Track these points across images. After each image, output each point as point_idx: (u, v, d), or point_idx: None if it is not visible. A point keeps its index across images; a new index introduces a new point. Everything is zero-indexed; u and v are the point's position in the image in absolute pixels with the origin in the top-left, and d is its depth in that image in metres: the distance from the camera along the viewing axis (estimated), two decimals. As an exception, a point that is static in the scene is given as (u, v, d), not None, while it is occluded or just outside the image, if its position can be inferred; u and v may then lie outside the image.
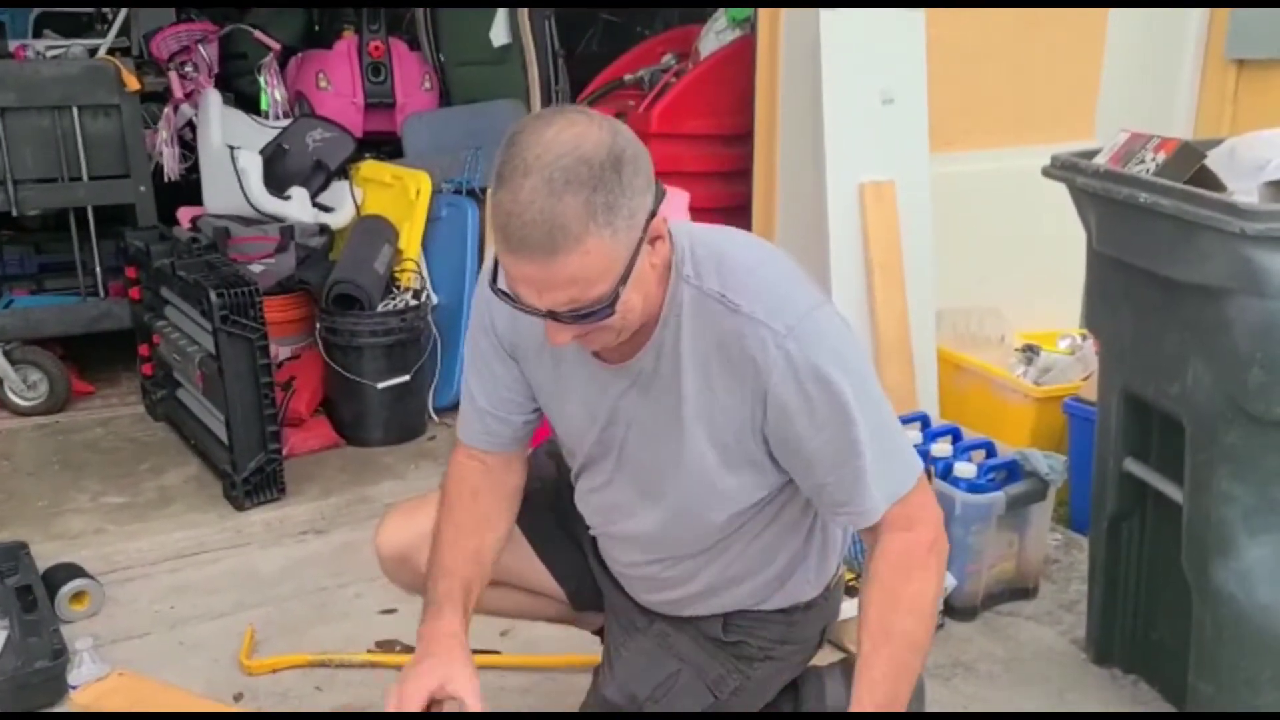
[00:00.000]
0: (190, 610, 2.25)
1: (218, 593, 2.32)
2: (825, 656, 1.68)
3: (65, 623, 2.12)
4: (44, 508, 2.66)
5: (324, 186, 3.43)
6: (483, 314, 1.41)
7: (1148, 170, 1.65)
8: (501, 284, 1.17)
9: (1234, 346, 1.52)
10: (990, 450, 2.26)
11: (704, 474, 1.32)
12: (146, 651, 2.09)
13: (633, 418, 1.34)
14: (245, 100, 3.96)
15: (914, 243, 2.74)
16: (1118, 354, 1.85)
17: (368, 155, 3.65)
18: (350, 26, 4.15)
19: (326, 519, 2.64)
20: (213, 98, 3.48)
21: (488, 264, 1.31)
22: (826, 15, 2.65)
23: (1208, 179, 1.61)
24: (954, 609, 2.16)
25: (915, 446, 2.22)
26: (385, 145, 3.93)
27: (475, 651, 1.96)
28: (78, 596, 2.19)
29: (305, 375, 3.08)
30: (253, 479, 2.60)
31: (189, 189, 3.56)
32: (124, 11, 3.57)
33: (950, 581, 2.12)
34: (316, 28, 4.58)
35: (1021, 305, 2.92)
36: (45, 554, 2.32)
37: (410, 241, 3.15)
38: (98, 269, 3.27)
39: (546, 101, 3.90)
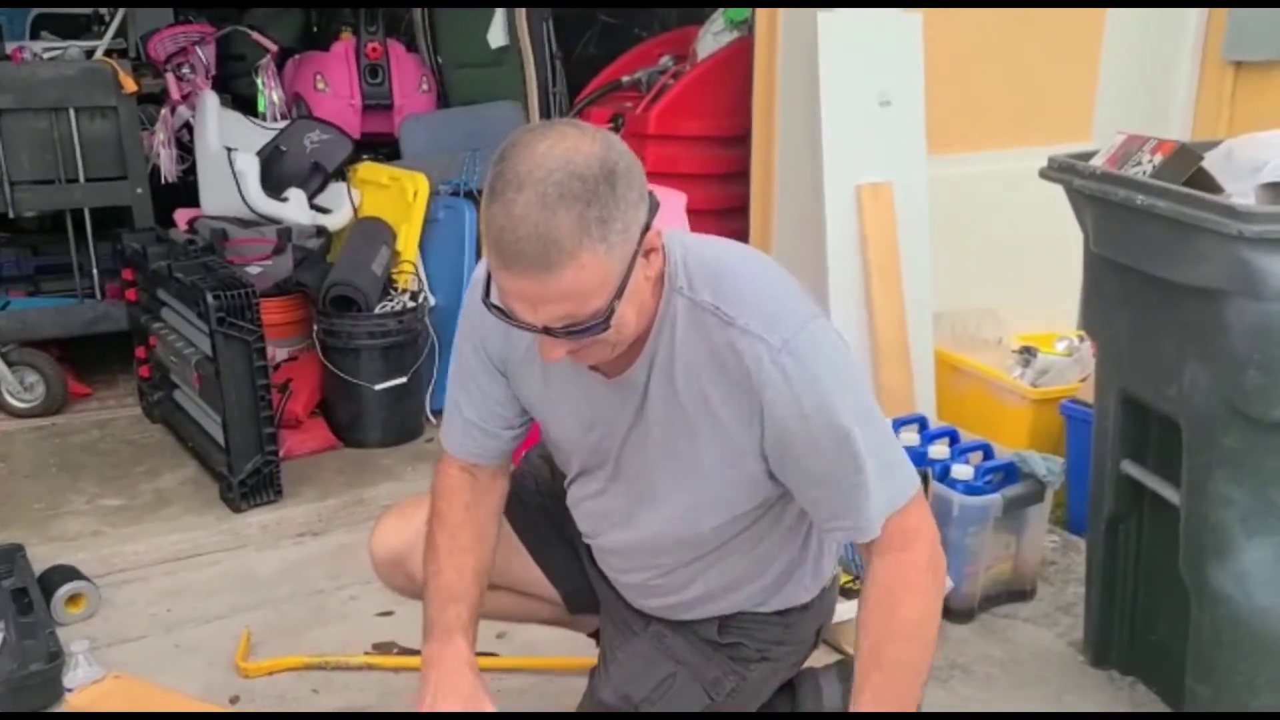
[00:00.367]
0: (187, 613, 2.25)
1: (214, 595, 2.32)
2: (821, 658, 1.67)
3: (61, 625, 2.12)
4: (41, 510, 2.66)
5: (321, 188, 3.42)
6: (471, 328, 1.40)
7: (1144, 172, 1.65)
8: (494, 299, 1.17)
9: (1231, 348, 1.52)
10: (988, 452, 2.26)
11: (699, 484, 1.31)
12: (143, 654, 2.09)
13: (627, 430, 1.33)
14: (243, 102, 3.95)
15: (911, 244, 2.74)
16: (1115, 356, 1.85)
17: (365, 157, 3.65)
18: (348, 28, 4.16)
19: (324, 521, 2.64)
20: (210, 99, 3.48)
21: (477, 276, 1.31)
22: (824, 16, 2.65)
23: (1205, 181, 1.61)
24: (951, 611, 2.16)
25: (913, 448, 2.24)
26: (383, 147, 3.93)
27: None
28: (74, 599, 2.19)
29: (302, 377, 3.08)
30: (249, 481, 2.60)
31: (186, 191, 3.55)
32: (121, 13, 3.57)
33: (947, 584, 2.12)
34: (314, 29, 4.58)
35: (1019, 307, 2.92)
36: (41, 556, 2.32)
37: (408, 243, 3.15)
38: (94, 271, 3.27)
39: (544, 103, 3.90)
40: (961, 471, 2.14)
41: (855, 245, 2.71)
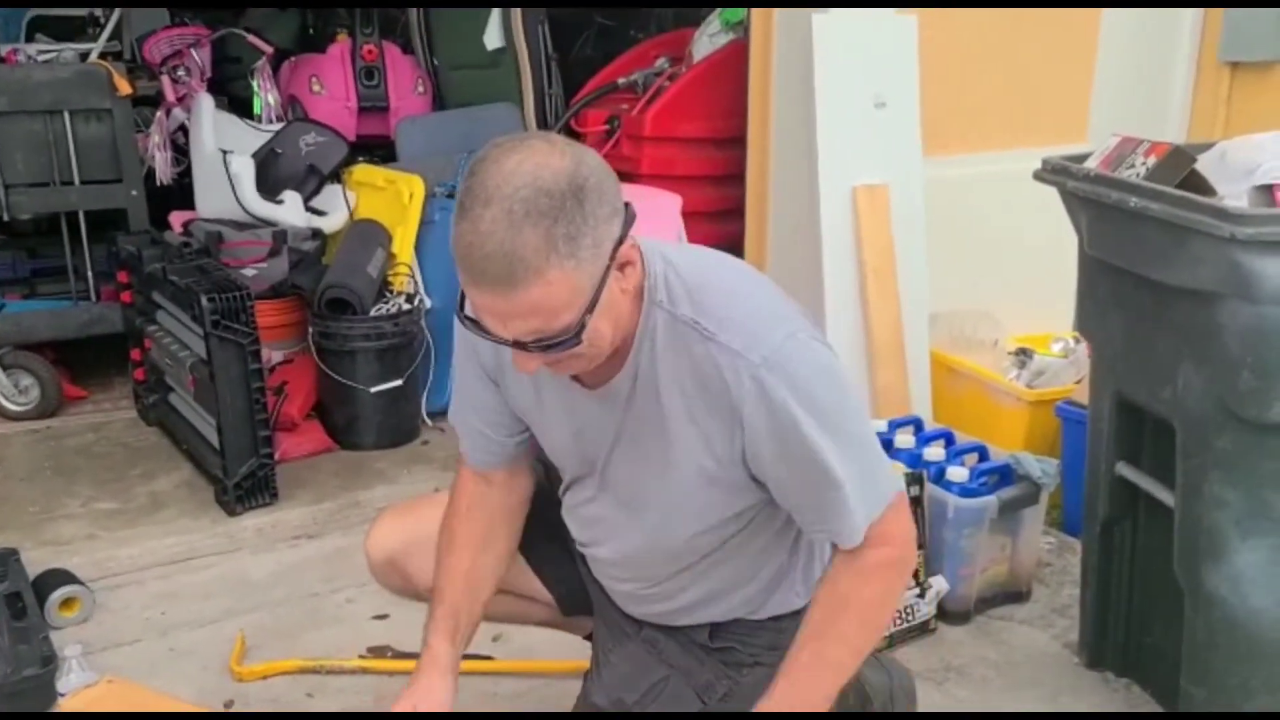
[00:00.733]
0: (181, 616, 2.24)
1: (209, 599, 2.32)
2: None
3: (55, 629, 2.11)
4: (35, 514, 2.65)
5: (317, 190, 3.42)
6: (466, 339, 1.41)
7: (1138, 174, 1.65)
8: (470, 312, 1.17)
9: (1225, 351, 1.52)
10: (983, 454, 2.26)
11: (685, 494, 1.32)
12: (137, 658, 2.08)
13: (613, 441, 1.34)
14: (238, 104, 3.95)
15: (907, 246, 2.74)
16: (1109, 358, 1.85)
17: (361, 159, 3.65)
18: (344, 30, 4.15)
19: (319, 524, 2.64)
20: (205, 102, 3.48)
21: None
22: (819, 18, 2.65)
23: (1198, 183, 1.61)
24: (947, 613, 2.16)
25: (908, 450, 2.24)
26: (378, 149, 3.93)
27: (468, 657, 1.98)
28: (68, 603, 2.19)
29: (298, 380, 3.08)
30: (244, 484, 2.59)
31: (181, 193, 3.55)
32: (116, 15, 3.56)
33: (943, 586, 2.12)
34: (310, 31, 4.58)
35: (1015, 308, 2.92)
36: (36, 560, 2.31)
37: (403, 245, 3.14)
38: (89, 273, 3.26)
39: (540, 105, 3.91)
40: (957, 473, 2.14)
41: (851, 247, 2.71)
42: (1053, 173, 1.82)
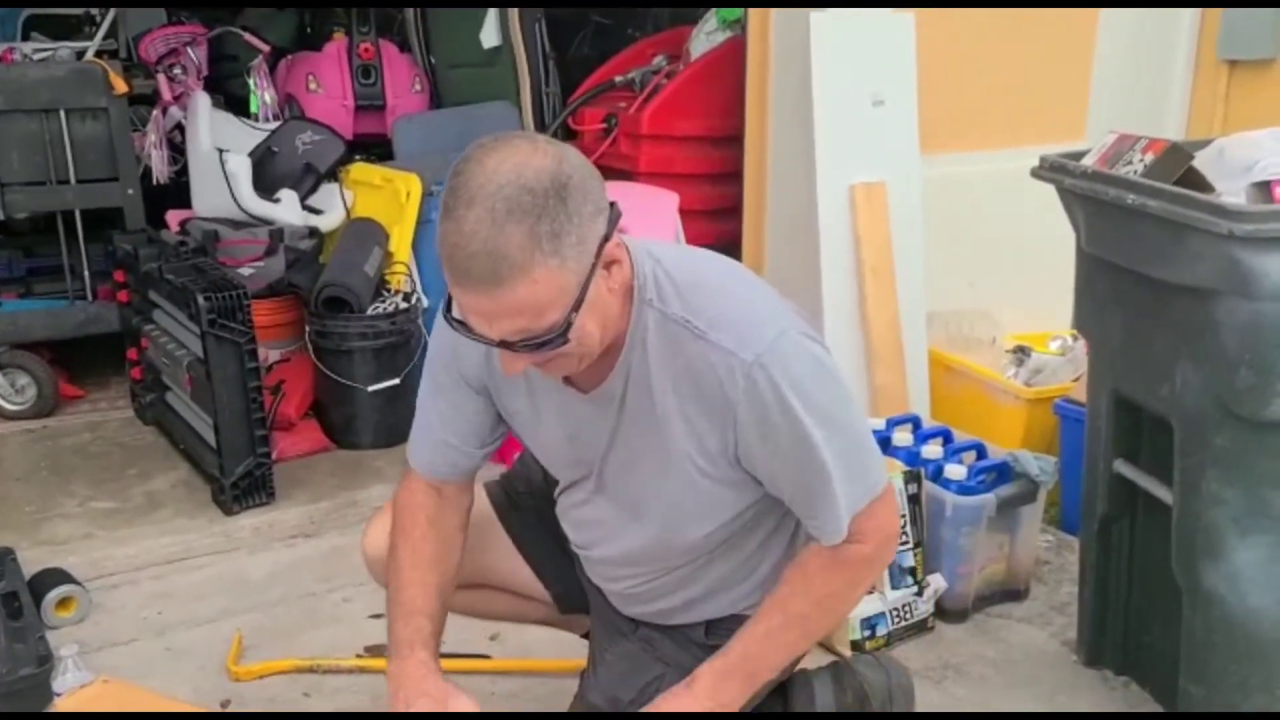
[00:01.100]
0: (178, 616, 2.24)
1: (205, 598, 2.31)
2: (814, 659, 1.67)
3: (51, 629, 2.11)
4: (31, 513, 2.65)
5: (314, 189, 3.42)
6: (443, 346, 1.40)
7: (1135, 171, 1.65)
8: (456, 314, 1.17)
9: (1222, 348, 1.51)
10: (981, 452, 2.26)
11: (683, 494, 1.32)
12: (133, 658, 2.08)
13: (608, 443, 1.33)
14: (235, 102, 3.95)
15: (905, 244, 2.74)
16: (1107, 356, 1.84)
17: (358, 157, 3.64)
18: (340, 29, 4.15)
19: (316, 523, 2.63)
20: (201, 100, 3.47)
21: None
22: (816, 16, 2.64)
23: (1196, 180, 1.61)
24: (945, 611, 2.16)
25: (906, 448, 2.24)
26: (375, 148, 3.92)
27: (465, 656, 1.98)
28: (64, 602, 2.18)
29: (295, 379, 3.07)
30: (241, 483, 2.59)
31: (178, 192, 3.54)
32: (112, 14, 3.56)
33: (941, 584, 2.12)
34: (307, 30, 4.57)
35: (1013, 306, 2.92)
36: (32, 560, 2.31)
37: (400, 244, 3.14)
38: (86, 272, 3.25)
39: (537, 103, 3.90)
40: (955, 471, 2.14)
41: (849, 245, 2.71)
42: (1050, 170, 1.81)
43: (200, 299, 2.47)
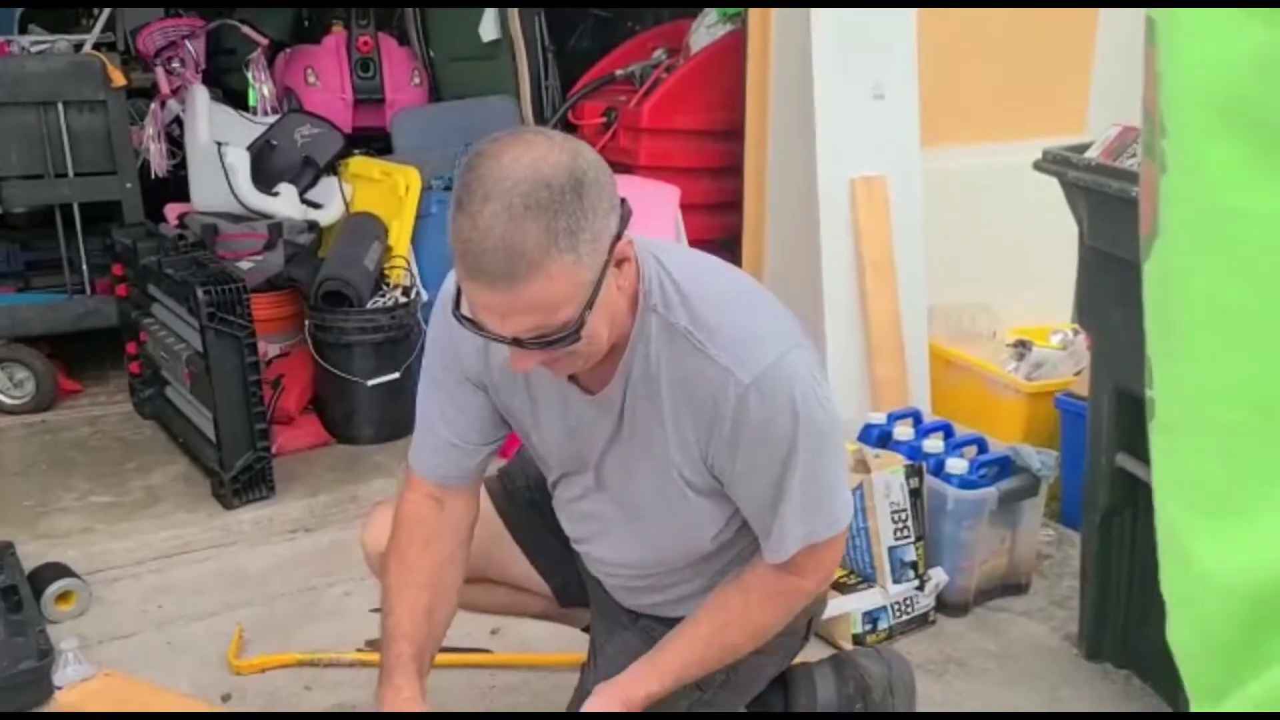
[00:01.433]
0: (178, 610, 2.24)
1: (205, 592, 2.31)
2: (815, 652, 1.67)
3: (51, 623, 2.10)
4: (30, 507, 2.64)
5: (313, 183, 3.40)
6: (442, 344, 1.38)
7: (1139, 164, 1.64)
8: (464, 310, 1.15)
9: (1226, 341, 1.51)
10: (982, 446, 2.26)
11: (675, 505, 1.32)
12: (133, 652, 2.07)
13: (607, 443, 1.33)
14: (233, 96, 3.93)
15: (905, 238, 2.73)
16: (1109, 349, 1.84)
17: (357, 151, 3.63)
18: (339, 22, 4.13)
19: (316, 518, 2.63)
20: (200, 93, 3.46)
21: (445, 290, 1.31)
22: (817, 10, 2.64)
23: (1199, 173, 1.60)
24: (946, 605, 2.16)
25: (907, 443, 2.24)
26: (374, 141, 3.91)
27: (465, 650, 1.98)
28: (64, 596, 2.18)
29: (294, 373, 3.06)
30: (241, 477, 2.58)
31: (176, 185, 3.53)
32: (109, 7, 3.54)
33: (942, 578, 2.12)
34: (305, 23, 4.55)
35: (1014, 300, 2.91)
36: (31, 554, 2.30)
37: (400, 238, 3.13)
38: (84, 266, 3.24)
39: (537, 97, 3.89)
40: (956, 465, 2.14)
41: (849, 239, 2.70)
42: (1053, 163, 1.81)
43: (200, 292, 2.46)
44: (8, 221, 3.48)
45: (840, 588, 2.05)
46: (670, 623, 1.48)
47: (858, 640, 2.03)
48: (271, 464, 2.64)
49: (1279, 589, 0.33)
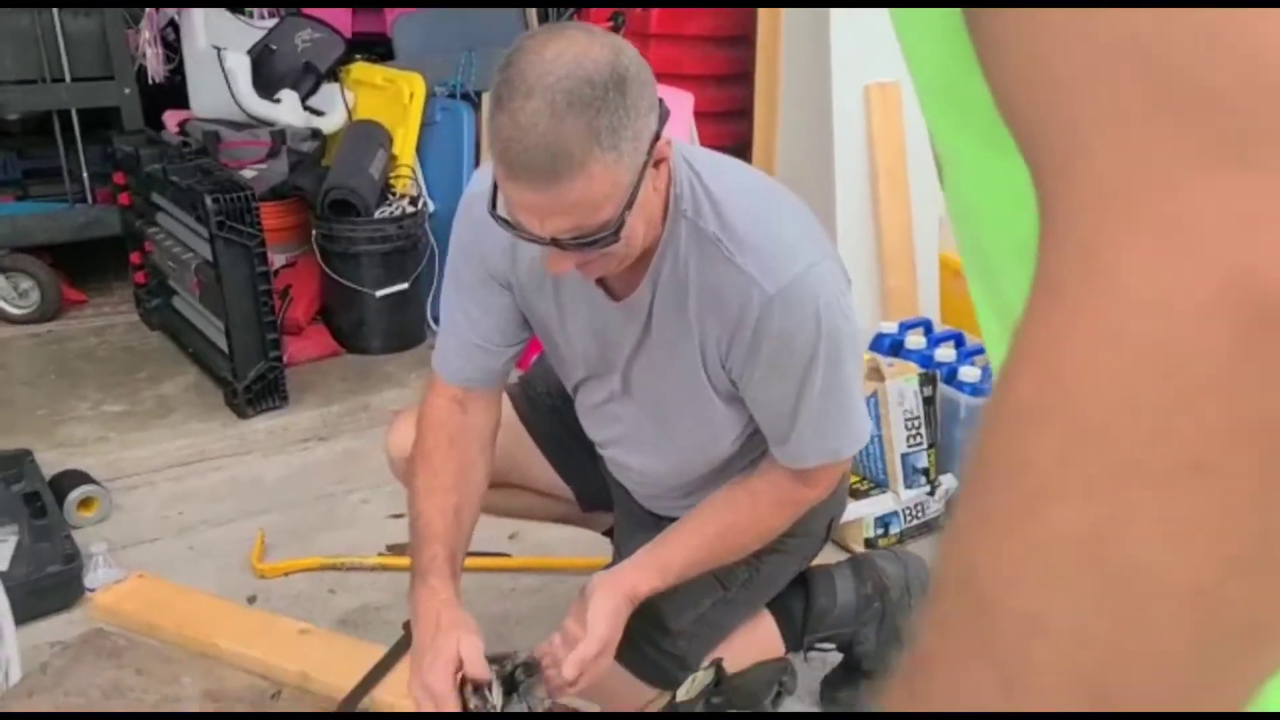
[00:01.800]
0: (198, 516, 2.27)
1: (224, 500, 2.34)
2: (831, 556, 1.70)
3: (75, 529, 2.13)
4: (44, 416, 2.65)
5: (314, 89, 3.34)
6: (469, 244, 1.36)
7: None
8: (501, 210, 1.14)
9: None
10: (994, 355, 2.27)
11: (701, 410, 1.33)
12: (157, 556, 2.11)
13: (634, 347, 1.33)
14: (228, -2, 3.82)
15: (920, 146, 2.70)
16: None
17: (358, 57, 3.55)
18: (335, -79, 3.99)
19: (329, 426, 2.65)
20: (196, -5, 3.36)
21: (475, 187, 1.28)
22: (834, -92, 2.56)
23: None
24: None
25: (920, 351, 2.25)
26: (375, 47, 3.82)
27: (485, 554, 2.01)
28: (86, 502, 2.20)
29: (302, 283, 3.05)
30: (254, 387, 2.59)
31: (172, 92, 3.46)
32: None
33: (954, 484, 2.15)
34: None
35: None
36: (49, 462, 2.32)
37: (404, 147, 3.08)
38: (84, 174, 3.20)
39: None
40: (968, 373, 2.15)
41: (863, 147, 2.67)
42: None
43: (209, 201, 2.44)
44: (3, 129, 3.42)
45: (854, 493, 2.08)
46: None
47: (869, 545, 2.08)
48: (284, 374, 2.65)
49: None
